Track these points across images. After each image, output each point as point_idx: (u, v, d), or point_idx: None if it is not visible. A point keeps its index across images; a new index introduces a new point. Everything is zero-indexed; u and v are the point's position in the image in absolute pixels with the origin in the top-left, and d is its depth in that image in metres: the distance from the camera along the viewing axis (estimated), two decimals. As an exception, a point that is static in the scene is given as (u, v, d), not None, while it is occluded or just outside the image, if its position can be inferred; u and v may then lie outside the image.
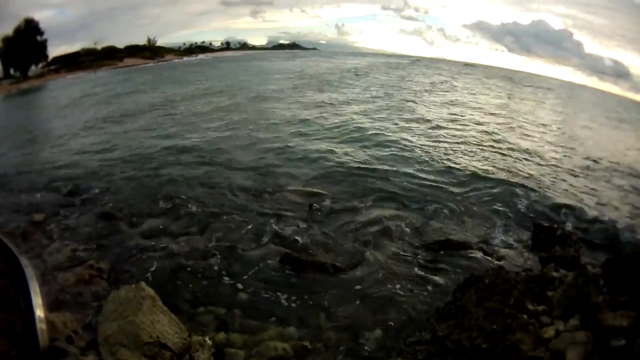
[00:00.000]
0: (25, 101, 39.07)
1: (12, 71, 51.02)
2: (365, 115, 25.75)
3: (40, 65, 54.71)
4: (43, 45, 53.87)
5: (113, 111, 27.54)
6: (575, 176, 15.98)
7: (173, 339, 6.39)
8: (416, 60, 77.72)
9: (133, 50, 66.53)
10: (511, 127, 24.88)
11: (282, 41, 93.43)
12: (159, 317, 6.50)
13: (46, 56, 55.10)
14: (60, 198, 12.73)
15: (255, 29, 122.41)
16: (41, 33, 53.51)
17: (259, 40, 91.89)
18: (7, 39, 49.93)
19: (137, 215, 11.36)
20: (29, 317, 1.88)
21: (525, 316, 5.46)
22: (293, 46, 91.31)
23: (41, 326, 1.90)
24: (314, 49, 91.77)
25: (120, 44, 65.88)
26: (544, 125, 26.53)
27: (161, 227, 10.77)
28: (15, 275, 1.98)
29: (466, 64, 75.42)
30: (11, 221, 10.96)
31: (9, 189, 13.50)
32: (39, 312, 1.92)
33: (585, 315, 5.14)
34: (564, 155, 19.42)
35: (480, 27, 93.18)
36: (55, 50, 56.20)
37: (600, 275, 5.65)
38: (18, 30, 50.91)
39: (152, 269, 8.86)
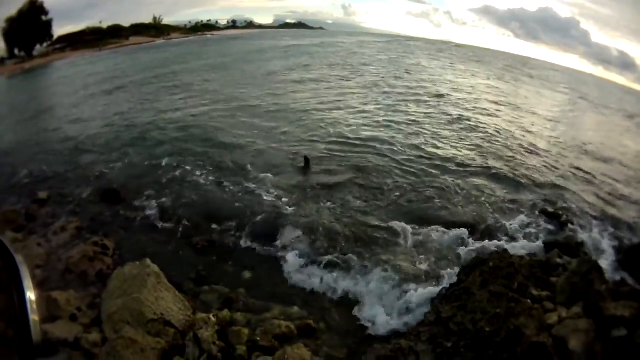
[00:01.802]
0: (28, 80, 38.86)
1: (16, 51, 50.87)
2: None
3: (45, 44, 54.54)
4: (48, 24, 53.55)
5: (115, 88, 27.43)
6: (573, 163, 15.87)
7: (177, 316, 6.50)
8: (405, 41, 76.29)
9: (139, 29, 65.92)
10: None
11: (288, 20, 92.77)
12: (164, 294, 6.59)
13: (51, 35, 54.82)
14: (63, 175, 12.78)
15: (262, 8, 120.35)
16: (46, 13, 53.26)
17: (266, 19, 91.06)
18: (10, 20, 49.63)
19: (142, 192, 11.39)
20: (22, 313, 1.82)
21: (529, 301, 5.63)
22: (299, 25, 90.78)
23: (34, 321, 1.82)
24: (321, 28, 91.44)
25: (126, 22, 65.49)
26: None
27: (166, 203, 10.80)
28: (9, 271, 1.91)
29: (457, 45, 74.47)
30: (16, 199, 11.06)
31: (12, 166, 13.54)
32: (32, 310, 1.85)
33: (588, 303, 5.30)
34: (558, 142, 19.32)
35: (487, 12, 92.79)
36: (60, 29, 55.88)
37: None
38: (22, 11, 50.69)
39: (157, 246, 9.01)
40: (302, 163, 13.09)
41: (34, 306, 1.82)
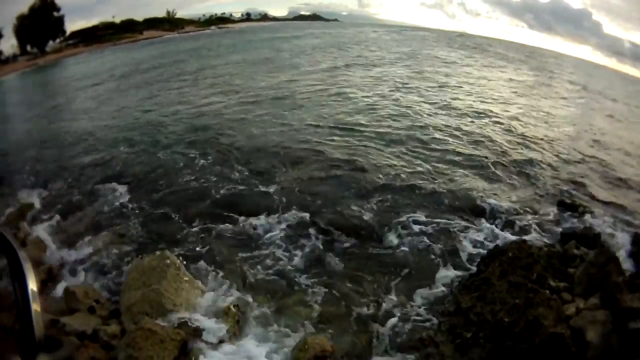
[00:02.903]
0: (41, 76, 39.75)
1: (29, 47, 51.37)
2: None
3: (57, 40, 55.26)
4: (60, 20, 54.66)
5: (128, 82, 28.76)
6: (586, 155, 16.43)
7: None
8: (412, 31, 76.45)
9: (152, 23, 66.84)
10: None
11: (303, 12, 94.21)
12: (183, 285, 7.00)
13: (64, 31, 55.81)
14: (77, 166, 13.42)
15: (276, 0, 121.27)
16: (57, 9, 54.29)
17: (280, 11, 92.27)
18: (22, 17, 50.19)
19: (157, 182, 11.95)
20: (25, 309, 2.11)
21: (547, 291, 6.01)
22: (314, 17, 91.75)
23: (37, 317, 2.11)
24: (335, 20, 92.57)
25: (139, 17, 66.23)
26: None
27: (181, 194, 11.30)
28: (12, 267, 2.19)
29: (461, 35, 74.68)
30: (31, 191, 11.61)
31: (26, 159, 14.28)
32: (35, 305, 2.13)
33: (605, 294, 5.77)
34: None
35: (501, 3, 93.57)
36: (73, 25, 56.85)
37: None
38: (33, 8, 51.30)
39: (176, 237, 9.40)
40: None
41: (37, 306, 2.12)
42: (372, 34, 59.90)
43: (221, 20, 79.37)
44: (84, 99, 25.04)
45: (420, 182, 11.95)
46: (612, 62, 74.47)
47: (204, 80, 27.62)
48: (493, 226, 9.86)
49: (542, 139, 17.33)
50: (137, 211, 10.53)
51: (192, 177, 12.15)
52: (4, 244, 2.22)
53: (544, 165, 14.15)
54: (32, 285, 2.07)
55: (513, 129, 18.22)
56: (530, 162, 14.34)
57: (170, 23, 69.61)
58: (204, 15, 79.20)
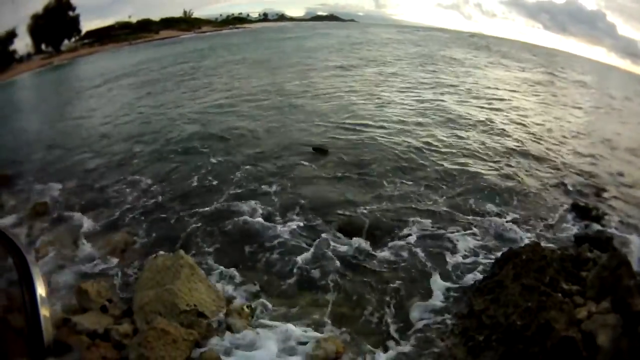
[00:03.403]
0: (54, 77, 40.67)
1: (43, 46, 52.13)
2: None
3: (73, 39, 56.14)
4: (75, 20, 55.75)
5: (143, 82, 29.49)
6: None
7: (210, 307, 7.11)
8: (423, 31, 77.26)
9: (169, 23, 68.00)
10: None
11: (320, 12, 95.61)
12: (197, 286, 7.21)
13: (79, 31, 56.86)
14: (89, 166, 13.84)
15: (293, 0, 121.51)
16: (73, 8, 55.27)
17: (297, 12, 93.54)
18: (36, 16, 51.04)
19: (170, 181, 12.33)
20: (34, 314, 2.21)
21: (559, 295, 6.19)
22: (331, 18, 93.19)
23: (46, 321, 2.21)
24: (352, 20, 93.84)
25: (156, 16, 67.37)
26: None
27: (193, 193, 11.62)
28: (20, 271, 2.28)
29: (473, 35, 75.35)
30: (44, 190, 11.97)
31: (38, 158, 14.74)
32: (43, 310, 2.23)
33: (617, 298, 5.90)
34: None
35: (517, 4, 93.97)
36: (88, 24, 58.06)
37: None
38: (48, 7, 52.36)
39: (190, 236, 9.66)
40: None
41: (46, 311, 2.21)
42: (385, 34, 60.29)
43: (238, 20, 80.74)
44: (97, 98, 25.83)
45: (427, 185, 12.20)
46: (626, 64, 74.76)
47: (219, 79, 28.29)
48: (506, 228, 10.01)
49: (552, 140, 17.56)
50: (150, 210, 10.81)
51: (204, 177, 12.49)
52: (12, 247, 2.22)
53: (556, 167, 14.33)
54: (41, 289, 2.08)
55: (522, 131, 18.48)
56: (542, 163, 14.55)
57: (186, 23, 70.87)
58: (220, 15, 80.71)
